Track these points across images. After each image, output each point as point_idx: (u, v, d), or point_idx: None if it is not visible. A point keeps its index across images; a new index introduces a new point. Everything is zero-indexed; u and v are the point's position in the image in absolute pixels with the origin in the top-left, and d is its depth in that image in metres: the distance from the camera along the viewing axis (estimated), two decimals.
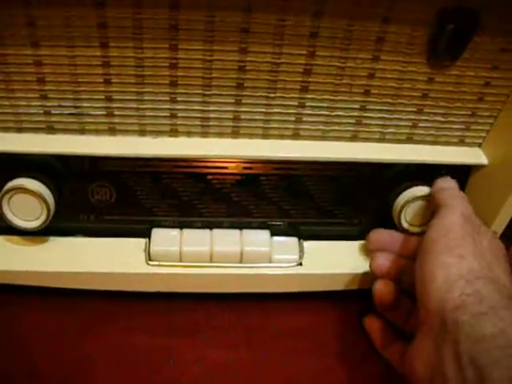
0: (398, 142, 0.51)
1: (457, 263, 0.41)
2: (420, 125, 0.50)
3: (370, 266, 0.52)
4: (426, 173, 0.51)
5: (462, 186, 0.54)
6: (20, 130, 0.48)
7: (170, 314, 0.54)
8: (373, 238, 0.54)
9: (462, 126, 0.51)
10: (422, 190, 0.51)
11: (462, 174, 0.54)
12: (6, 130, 0.48)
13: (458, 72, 0.47)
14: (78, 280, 0.52)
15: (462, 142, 0.52)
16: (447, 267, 0.41)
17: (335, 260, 0.55)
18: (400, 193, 0.52)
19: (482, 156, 0.52)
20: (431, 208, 0.50)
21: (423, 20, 0.43)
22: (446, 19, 0.42)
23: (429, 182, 0.51)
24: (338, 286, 0.55)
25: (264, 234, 0.54)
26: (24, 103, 0.46)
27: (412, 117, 0.50)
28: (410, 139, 0.51)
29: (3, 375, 0.48)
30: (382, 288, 0.51)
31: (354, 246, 0.56)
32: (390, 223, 0.53)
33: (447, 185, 0.50)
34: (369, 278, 0.53)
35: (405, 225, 0.53)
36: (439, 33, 0.43)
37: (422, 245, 0.45)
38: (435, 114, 0.49)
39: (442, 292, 0.40)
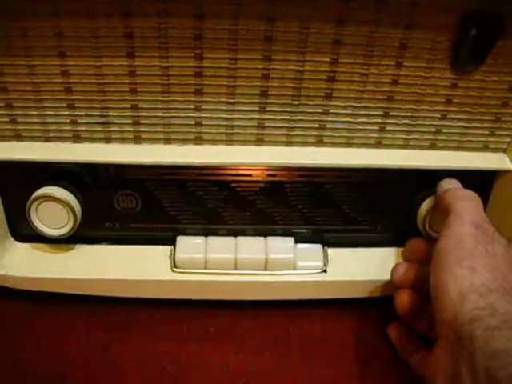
0: (422, 148, 0.51)
1: (469, 276, 0.41)
2: (444, 131, 0.50)
3: (391, 277, 0.52)
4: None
5: (487, 192, 0.54)
6: (47, 139, 0.49)
7: (194, 321, 0.54)
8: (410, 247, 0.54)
9: (486, 132, 0.50)
10: None
11: (486, 179, 0.53)
12: (33, 138, 0.48)
13: (482, 77, 0.47)
14: (104, 287, 0.53)
15: (486, 148, 0.52)
16: (459, 280, 0.41)
17: (359, 267, 0.55)
18: (424, 199, 0.52)
19: (506, 161, 0.52)
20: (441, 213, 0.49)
21: (446, 25, 0.43)
22: (469, 24, 0.42)
23: None
24: (363, 293, 0.55)
25: (288, 241, 0.55)
26: (52, 113, 0.47)
27: (436, 123, 0.49)
28: (433, 145, 0.51)
29: (30, 378, 0.49)
30: (403, 298, 0.51)
31: (379, 252, 0.56)
32: (415, 230, 0.53)
33: (450, 186, 0.50)
34: (393, 285, 0.53)
35: (429, 231, 0.52)
36: (462, 38, 0.43)
37: (434, 256, 0.45)
38: (459, 119, 0.49)
39: (456, 305, 0.40)
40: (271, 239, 0.54)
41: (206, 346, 0.52)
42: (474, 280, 0.40)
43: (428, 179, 0.52)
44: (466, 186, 0.51)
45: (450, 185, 0.50)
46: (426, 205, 0.52)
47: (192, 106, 0.47)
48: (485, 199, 0.54)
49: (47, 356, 0.51)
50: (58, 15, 0.42)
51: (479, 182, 0.52)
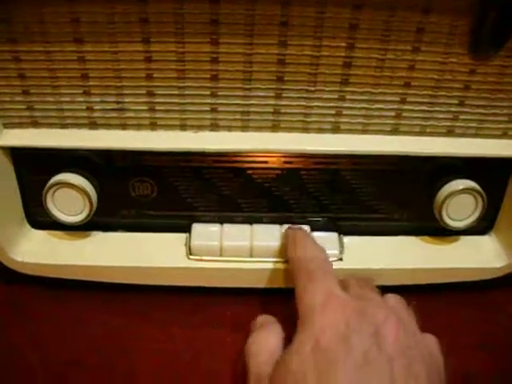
0: (439, 134, 0.50)
1: None
2: (462, 117, 0.49)
3: None
4: (468, 166, 0.51)
5: (505, 179, 0.53)
6: (64, 126, 0.49)
7: (210, 308, 0.54)
8: None
9: (506, 118, 0.50)
10: (463, 184, 0.50)
11: (505, 167, 0.52)
12: (50, 125, 0.49)
13: (502, 62, 0.46)
14: (120, 274, 0.53)
15: (505, 135, 0.51)
16: None
17: (375, 255, 0.55)
18: (441, 187, 0.51)
19: None
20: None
21: (465, 9, 0.43)
22: (489, 7, 0.42)
23: (471, 175, 0.50)
24: (378, 281, 0.54)
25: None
26: (68, 99, 0.47)
27: (453, 109, 0.49)
28: (451, 132, 0.50)
29: (46, 363, 0.50)
30: None
31: (395, 241, 0.56)
32: (432, 218, 0.53)
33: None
34: (409, 273, 0.53)
35: (446, 219, 0.52)
36: (481, 22, 0.42)
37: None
38: (477, 105, 0.49)
39: None
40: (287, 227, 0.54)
41: (221, 333, 0.53)
42: None
43: (445, 166, 0.51)
44: (484, 173, 0.51)
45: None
46: (443, 193, 0.51)
47: (208, 92, 0.47)
48: (503, 186, 0.54)
49: (63, 342, 0.51)
50: (75, 1, 0.42)
51: (497, 169, 0.51)
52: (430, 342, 0.42)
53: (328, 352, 0.37)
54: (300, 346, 0.39)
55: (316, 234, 0.55)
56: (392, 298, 0.45)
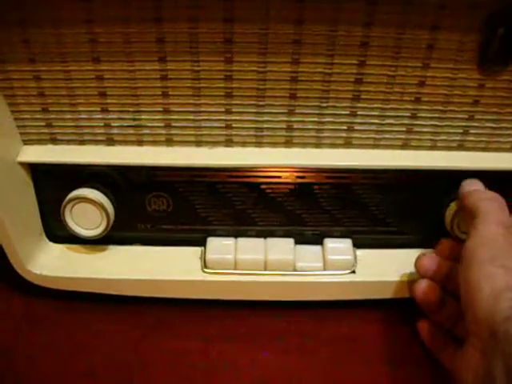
0: (450, 149, 0.51)
1: (503, 274, 0.41)
2: (471, 131, 0.50)
3: (415, 265, 0.52)
4: (479, 179, 0.51)
5: None
6: (82, 143, 0.50)
7: (224, 321, 0.55)
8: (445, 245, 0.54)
9: None
10: None
11: None
12: (68, 142, 0.50)
13: (510, 77, 0.47)
14: (136, 287, 0.54)
15: None
16: (492, 278, 0.41)
17: (388, 268, 0.55)
18: (452, 200, 0.52)
19: None
20: (465, 213, 0.49)
21: (473, 26, 0.43)
22: (496, 23, 0.43)
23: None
24: (391, 294, 0.55)
25: None
26: (86, 116, 0.48)
27: (463, 124, 0.50)
28: (461, 146, 0.51)
29: (64, 374, 0.51)
30: (420, 286, 0.51)
31: (407, 254, 0.56)
32: (442, 231, 0.53)
33: (473, 187, 0.50)
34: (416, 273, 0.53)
35: (457, 232, 0.52)
36: (489, 38, 0.43)
37: (463, 255, 0.44)
38: (487, 120, 0.49)
39: (490, 303, 0.40)
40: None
41: (234, 345, 0.53)
42: (508, 278, 0.40)
43: (456, 180, 0.52)
44: (494, 186, 0.51)
45: (473, 186, 0.50)
46: (453, 206, 0.52)
47: (222, 109, 0.48)
48: None
49: (79, 353, 0.52)
50: (93, 22, 0.43)
51: (507, 182, 0.52)
52: None
53: None
54: None
55: (330, 246, 0.55)
56: None
